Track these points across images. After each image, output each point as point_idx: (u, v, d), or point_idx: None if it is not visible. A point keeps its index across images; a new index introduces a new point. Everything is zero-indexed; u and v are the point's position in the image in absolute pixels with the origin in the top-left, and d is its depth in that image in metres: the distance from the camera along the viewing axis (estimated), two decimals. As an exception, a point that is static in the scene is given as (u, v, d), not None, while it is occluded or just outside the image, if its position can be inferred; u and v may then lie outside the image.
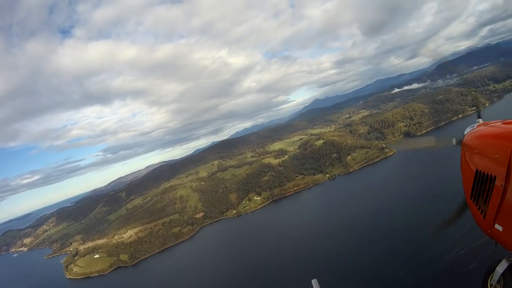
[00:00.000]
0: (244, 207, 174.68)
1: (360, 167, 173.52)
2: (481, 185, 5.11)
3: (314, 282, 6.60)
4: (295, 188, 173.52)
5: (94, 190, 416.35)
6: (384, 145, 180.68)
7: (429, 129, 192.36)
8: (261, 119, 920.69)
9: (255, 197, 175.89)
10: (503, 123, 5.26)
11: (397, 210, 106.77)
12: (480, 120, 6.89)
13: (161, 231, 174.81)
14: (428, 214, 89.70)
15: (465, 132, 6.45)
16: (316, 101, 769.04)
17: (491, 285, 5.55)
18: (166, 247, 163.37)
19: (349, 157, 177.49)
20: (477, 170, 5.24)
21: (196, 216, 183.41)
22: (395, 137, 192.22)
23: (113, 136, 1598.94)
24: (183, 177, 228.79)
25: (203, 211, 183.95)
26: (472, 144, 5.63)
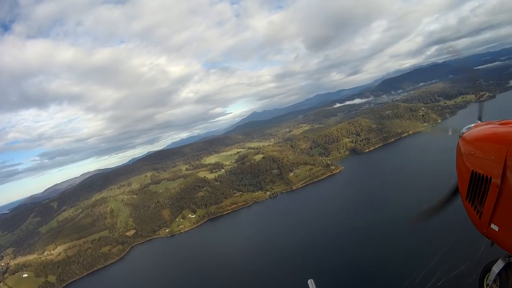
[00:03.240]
0: (178, 225, 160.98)
1: (304, 184, 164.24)
2: (477, 185, 5.14)
3: (310, 282, 6.36)
4: (233, 206, 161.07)
5: (31, 196, 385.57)
6: (329, 162, 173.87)
7: (377, 146, 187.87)
8: (197, 131, 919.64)
9: (189, 215, 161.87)
10: (499, 124, 5.22)
11: (348, 236, 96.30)
12: (479, 121, 6.68)
13: (90, 250, 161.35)
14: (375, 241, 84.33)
15: (461, 132, 6.26)
16: (254, 114, 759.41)
17: (487, 284, 5.49)
18: (95, 269, 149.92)
19: (291, 174, 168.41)
20: (473, 171, 5.24)
21: (127, 233, 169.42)
22: (340, 153, 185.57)
23: (49, 141, 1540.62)
24: (115, 188, 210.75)
25: (135, 228, 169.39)
26: (468, 145, 5.60)
